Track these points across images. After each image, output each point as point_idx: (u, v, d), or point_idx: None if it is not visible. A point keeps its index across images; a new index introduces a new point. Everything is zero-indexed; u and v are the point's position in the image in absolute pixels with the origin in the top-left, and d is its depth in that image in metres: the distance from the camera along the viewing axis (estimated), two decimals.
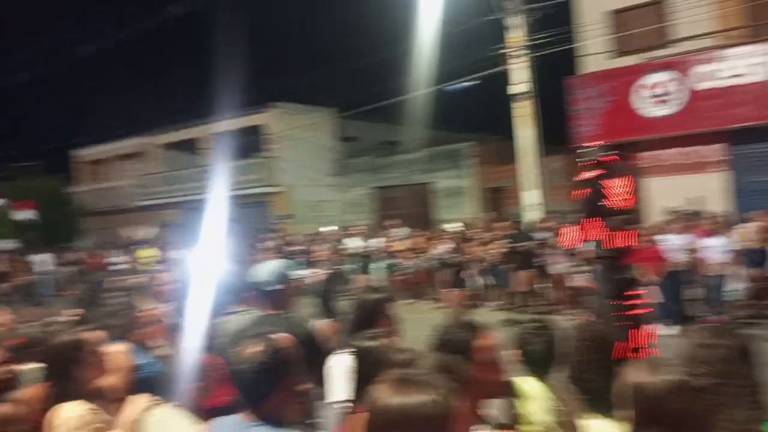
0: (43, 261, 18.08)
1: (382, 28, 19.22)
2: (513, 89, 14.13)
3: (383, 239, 14.94)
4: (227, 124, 23.60)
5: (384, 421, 1.43)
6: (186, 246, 18.88)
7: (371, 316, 3.29)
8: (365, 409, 2.61)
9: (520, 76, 14.07)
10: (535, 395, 2.62)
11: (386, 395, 1.44)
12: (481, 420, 2.03)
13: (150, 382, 3.66)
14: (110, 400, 2.97)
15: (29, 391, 3.09)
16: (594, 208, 4.23)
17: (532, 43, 13.95)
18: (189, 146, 25.37)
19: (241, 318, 3.95)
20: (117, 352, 3.19)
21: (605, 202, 4.22)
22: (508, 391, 2.47)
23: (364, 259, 13.69)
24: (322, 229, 17.11)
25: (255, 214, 22.96)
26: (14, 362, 3.73)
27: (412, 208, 20.62)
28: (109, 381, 2.98)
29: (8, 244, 25.45)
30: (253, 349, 2.01)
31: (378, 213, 22.11)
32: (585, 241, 4.51)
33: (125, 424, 2.58)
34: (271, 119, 22.53)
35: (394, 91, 18.39)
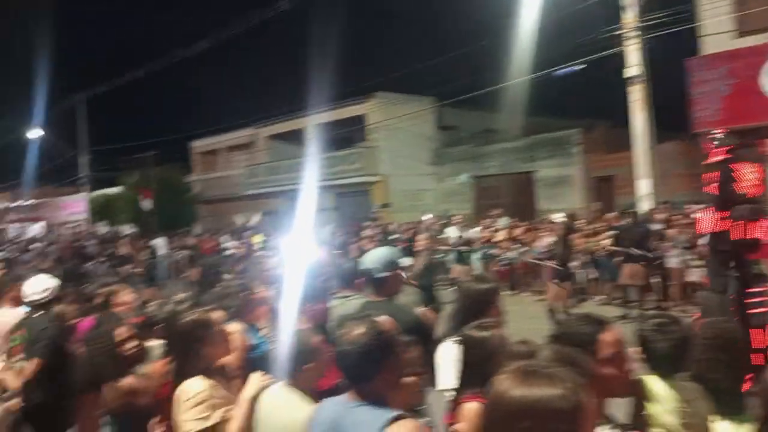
0: (159, 245, 19.35)
1: (484, 14, 18.81)
2: (627, 72, 13.37)
3: (482, 229, 14.71)
4: (329, 114, 24.16)
5: (508, 413, 1.36)
6: (290, 233, 19.63)
7: (480, 306, 3.23)
8: (474, 399, 2.57)
9: (634, 59, 13.29)
10: (660, 396, 2.45)
11: (512, 387, 1.37)
12: (607, 419, 1.92)
13: (261, 362, 3.83)
14: (228, 378, 3.11)
15: (154, 366, 3.31)
16: (723, 194, 3.90)
17: (647, 23, 13.13)
18: (293, 137, 26.21)
19: (348, 303, 4.02)
20: (234, 331, 3.34)
21: (735, 188, 3.88)
22: (633, 390, 2.32)
23: (463, 248, 13.54)
24: (424, 218, 17.09)
25: (355, 203, 23.40)
26: (140, 339, 4.01)
27: (512, 198, 20.15)
28: (227, 359, 3.12)
29: (128, 229, 27.63)
30: (357, 330, 2.03)
31: (476, 202, 21.81)
32: (706, 231, 4.17)
33: (243, 401, 2.68)
34: (371, 109, 22.79)
35: (495, 78, 17.99)
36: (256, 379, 2.74)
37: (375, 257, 3.54)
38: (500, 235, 13.61)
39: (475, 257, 13.62)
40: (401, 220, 19.46)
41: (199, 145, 31.43)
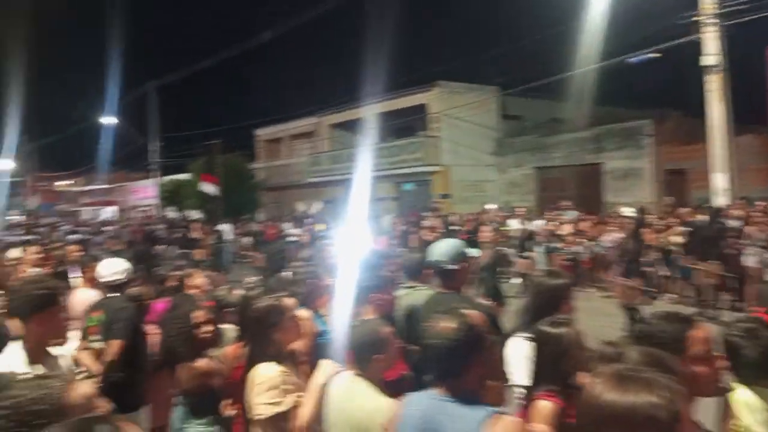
0: (225, 230, 19.90)
1: (552, 3, 18.27)
2: (705, 61, 12.71)
3: (547, 221, 14.37)
4: (391, 103, 24.12)
5: (600, 418, 1.30)
6: (350, 222, 19.80)
7: (552, 301, 3.14)
8: (547, 397, 2.50)
9: (712, 47, 12.62)
10: (749, 406, 2.31)
11: (605, 391, 1.31)
12: (696, 426, 1.82)
13: (328, 348, 3.85)
14: (297, 363, 3.15)
15: (228, 350, 3.39)
16: None
17: (726, 10, 12.42)
18: (355, 126, 26.35)
19: (415, 294, 3.99)
20: (304, 318, 3.37)
21: None
22: (723, 391, 2.20)
23: (526, 241, 13.27)
24: (488, 206, 16.88)
25: (415, 193, 23.34)
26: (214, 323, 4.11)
27: (577, 190, 19.61)
28: (297, 345, 3.16)
29: (195, 214, 28.53)
30: (448, 324, 1.98)
31: (540, 194, 21.35)
32: None
33: (314, 387, 2.70)
34: (433, 98, 22.61)
35: (561, 65, 17.49)
36: (326, 366, 2.75)
37: (443, 249, 3.50)
38: (566, 229, 13.25)
39: (539, 250, 13.33)
40: (461, 211, 19.26)
41: (263, 133, 32.09)
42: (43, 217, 43.27)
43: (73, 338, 4.32)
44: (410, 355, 3.59)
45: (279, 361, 2.80)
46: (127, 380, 3.95)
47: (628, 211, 13.09)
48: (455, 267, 3.41)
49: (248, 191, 27.11)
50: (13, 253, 7.09)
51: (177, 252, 19.55)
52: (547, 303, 3.13)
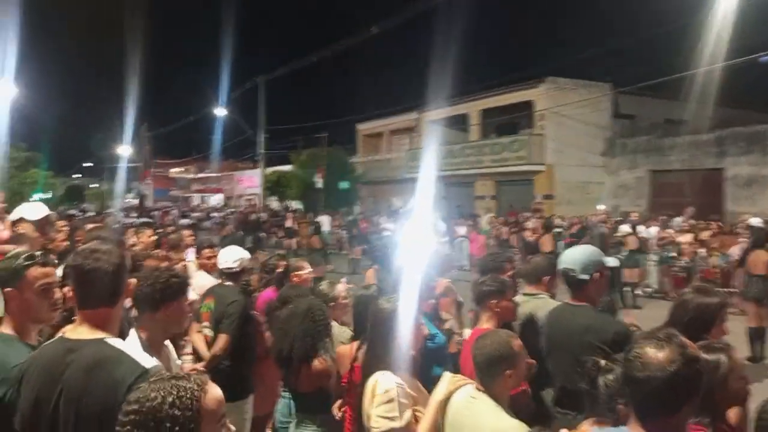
0: (323, 222, 20.24)
1: None
2: None
3: (661, 229, 13.39)
4: (495, 100, 23.52)
5: None
6: (450, 219, 19.53)
7: (703, 323, 2.74)
8: (698, 430, 2.15)
9: None
10: None
11: None
12: None
13: (439, 355, 3.62)
14: (414, 373, 2.94)
15: (342, 349, 3.24)
16: None
17: None
18: (456, 122, 25.97)
19: (535, 302, 3.68)
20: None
21: None
22: None
23: (638, 249, 12.39)
24: (599, 207, 16.08)
25: (516, 192, 22.66)
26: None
27: (695, 197, 18.21)
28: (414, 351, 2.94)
29: (295, 204, 29.33)
30: (663, 354, 1.63)
31: (653, 199, 20.08)
32: None
33: (433, 402, 2.48)
34: (540, 95, 21.79)
35: (682, 63, 16.32)
36: (447, 379, 2.53)
37: (576, 256, 3.15)
38: (685, 238, 12.25)
39: (652, 260, 12.45)
40: (565, 213, 18.45)
41: (364, 127, 32.41)
42: (157, 201, 46.32)
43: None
44: (528, 369, 3.31)
45: (396, 370, 2.60)
46: (235, 370, 3.94)
47: (756, 222, 11.91)
48: (590, 277, 3.06)
49: (346, 184, 27.48)
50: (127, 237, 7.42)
51: (274, 241, 20.10)
52: (696, 324, 2.74)
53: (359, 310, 3.27)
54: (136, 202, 43.11)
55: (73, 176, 73.44)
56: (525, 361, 2.51)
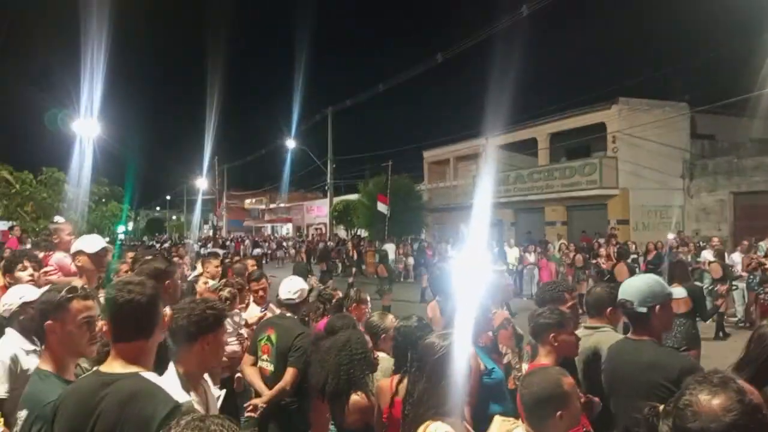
0: (388, 249, 20.20)
1: (752, 5, 16.14)
2: None
3: (746, 255, 12.49)
4: (565, 122, 22.98)
5: None
6: (515, 246, 19.07)
7: None
8: None
9: None
10: None
11: None
12: None
13: (497, 391, 3.43)
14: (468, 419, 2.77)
15: (383, 383, 3.12)
16: None
17: None
18: (524, 146, 25.53)
19: (597, 337, 3.44)
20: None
21: None
22: None
23: (722, 277, 11.59)
24: (670, 236, 15.29)
25: (589, 217, 21.89)
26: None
27: None
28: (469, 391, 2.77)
29: (363, 233, 29.50)
30: (719, 400, 1.41)
31: (736, 223, 18.87)
32: None
33: None
34: (612, 116, 21.10)
35: (762, 79, 15.39)
36: (498, 424, 2.37)
37: (635, 286, 2.91)
38: None
39: (738, 288, 11.63)
40: (640, 239, 17.61)
41: (430, 154, 32.42)
42: (231, 231, 47.91)
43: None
44: (591, 409, 3.08)
45: (446, 416, 2.39)
46: (296, 405, 3.88)
47: None
48: (652, 309, 2.82)
49: (414, 212, 27.42)
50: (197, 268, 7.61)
51: (340, 269, 20.23)
52: None
53: (399, 342, 3.14)
54: (211, 232, 44.74)
55: (155, 209, 77.45)
56: (578, 400, 2.31)
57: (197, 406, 2.25)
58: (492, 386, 3.38)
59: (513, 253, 18.03)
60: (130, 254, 7.07)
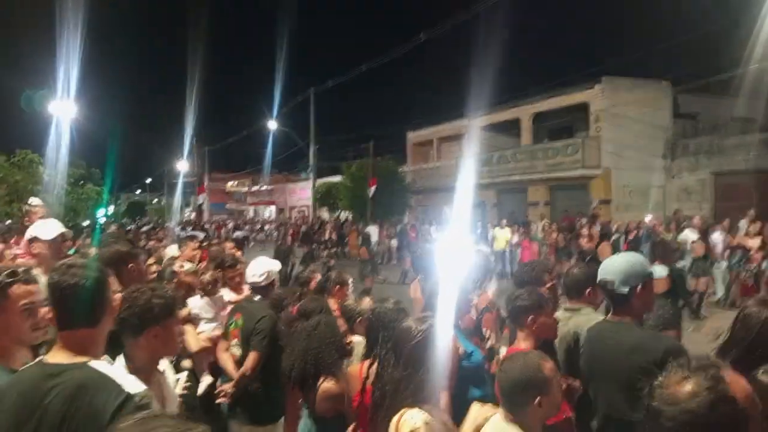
0: (371, 232, 20.09)
1: None
2: None
3: (727, 234, 12.55)
4: (548, 103, 22.89)
5: None
6: (499, 227, 19.04)
7: None
8: None
9: None
10: None
11: None
12: None
13: (476, 375, 3.32)
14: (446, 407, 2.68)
15: (354, 369, 3.00)
16: None
17: None
18: (507, 127, 25.43)
19: (577, 318, 3.34)
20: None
21: None
22: None
23: (704, 256, 11.64)
24: (647, 218, 15.32)
25: (571, 198, 21.92)
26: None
27: (763, 200, 17.06)
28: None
29: (345, 214, 29.35)
30: (689, 388, 1.34)
31: (717, 203, 18.99)
32: None
33: None
34: (596, 96, 21.02)
35: (744, 58, 15.39)
36: (476, 411, 2.26)
37: (616, 266, 2.79)
38: (754, 242, 11.45)
39: (718, 267, 11.69)
40: (622, 219, 17.66)
41: (413, 136, 32.21)
42: (213, 215, 47.48)
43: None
44: (572, 394, 2.98)
45: (425, 407, 2.28)
46: (264, 391, 3.75)
47: None
48: (633, 289, 2.70)
49: (397, 194, 27.28)
50: (171, 250, 7.43)
51: (326, 253, 20.13)
52: (762, 344, 2.37)
53: (373, 324, 3.00)
54: (194, 215, 44.29)
55: (136, 192, 76.48)
56: (560, 386, 2.21)
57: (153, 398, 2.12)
58: (471, 370, 3.28)
59: (504, 235, 17.91)
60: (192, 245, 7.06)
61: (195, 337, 4.20)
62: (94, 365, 1.74)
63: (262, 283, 4.11)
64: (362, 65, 25.99)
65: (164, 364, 2.37)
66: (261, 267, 4.16)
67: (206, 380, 4.06)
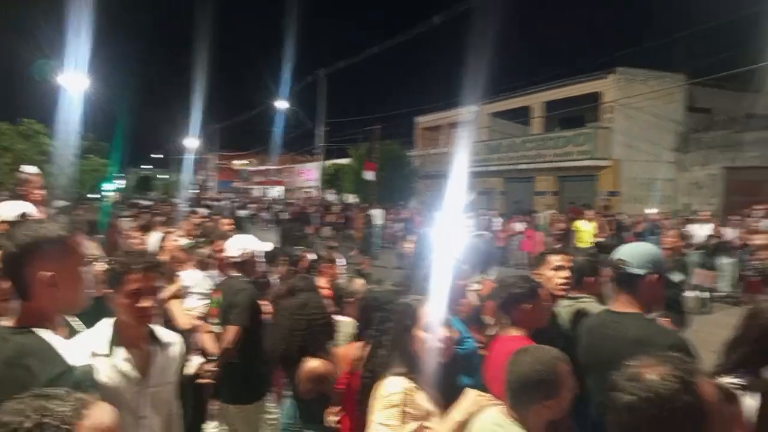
0: (376, 215, 19.96)
1: None
2: None
3: (736, 229, 12.35)
4: (560, 92, 22.57)
5: None
6: (502, 215, 18.89)
7: None
8: None
9: None
10: None
11: None
12: None
13: (468, 363, 3.19)
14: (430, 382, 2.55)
15: (342, 350, 2.89)
16: None
17: None
18: (517, 115, 25.13)
19: (578, 306, 3.22)
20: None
21: None
22: None
23: (711, 250, 11.47)
24: (647, 211, 15.13)
25: (579, 189, 21.68)
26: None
27: None
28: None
29: (352, 198, 29.19)
30: (653, 374, 1.29)
31: (727, 198, 18.72)
32: None
33: (449, 422, 2.09)
34: (608, 86, 20.69)
35: (761, 52, 15.04)
36: (471, 398, 2.12)
37: (637, 249, 2.59)
38: (762, 238, 11.24)
39: (726, 262, 11.50)
40: (630, 211, 17.46)
41: (422, 120, 31.95)
42: (221, 192, 47.49)
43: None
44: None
45: (410, 376, 2.20)
46: (248, 368, 3.64)
47: None
48: (646, 275, 2.52)
49: (404, 178, 27.11)
50: (154, 237, 7.27)
51: (328, 233, 20.02)
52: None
53: (367, 305, 2.88)
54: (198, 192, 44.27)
55: (145, 168, 76.65)
56: (571, 391, 2.03)
57: (126, 365, 2.03)
58: (463, 357, 3.14)
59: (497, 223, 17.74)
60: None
61: (184, 314, 4.09)
62: (39, 332, 1.66)
63: (238, 259, 3.99)
64: (374, 47, 25.71)
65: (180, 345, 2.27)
66: (236, 244, 4.05)
67: (196, 360, 3.96)
